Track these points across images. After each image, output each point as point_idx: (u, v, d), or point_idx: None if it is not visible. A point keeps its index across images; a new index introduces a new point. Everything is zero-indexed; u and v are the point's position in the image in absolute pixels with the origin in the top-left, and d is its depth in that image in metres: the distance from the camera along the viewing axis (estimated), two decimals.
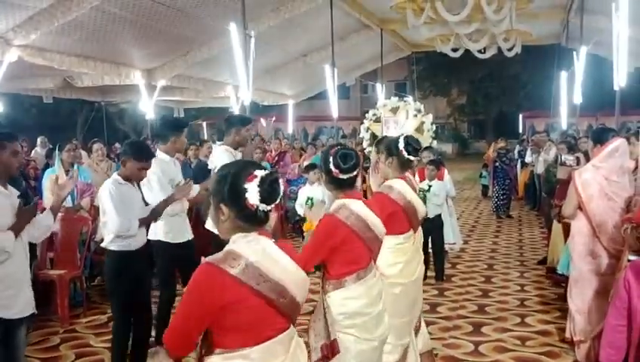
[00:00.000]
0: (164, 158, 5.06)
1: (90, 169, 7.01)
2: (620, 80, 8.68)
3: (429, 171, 7.59)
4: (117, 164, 8.46)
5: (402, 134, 4.24)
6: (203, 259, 2.20)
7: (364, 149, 11.41)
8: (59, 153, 6.76)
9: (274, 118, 23.41)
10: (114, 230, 4.27)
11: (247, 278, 2.13)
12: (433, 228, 7.38)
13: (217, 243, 2.41)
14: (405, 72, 35.74)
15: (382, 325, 3.33)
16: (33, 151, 11.94)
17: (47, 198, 6.58)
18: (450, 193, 8.15)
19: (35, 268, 6.15)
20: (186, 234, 5.14)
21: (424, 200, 6.99)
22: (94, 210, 6.54)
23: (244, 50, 9.07)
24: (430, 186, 7.43)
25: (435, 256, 7.60)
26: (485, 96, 38.42)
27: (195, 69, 12.94)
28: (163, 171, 4.93)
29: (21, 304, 3.65)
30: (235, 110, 15.43)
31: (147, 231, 4.66)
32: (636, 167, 4.99)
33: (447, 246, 7.97)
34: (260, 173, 2.19)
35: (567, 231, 6.46)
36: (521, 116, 29.94)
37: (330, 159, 3.30)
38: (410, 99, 12.36)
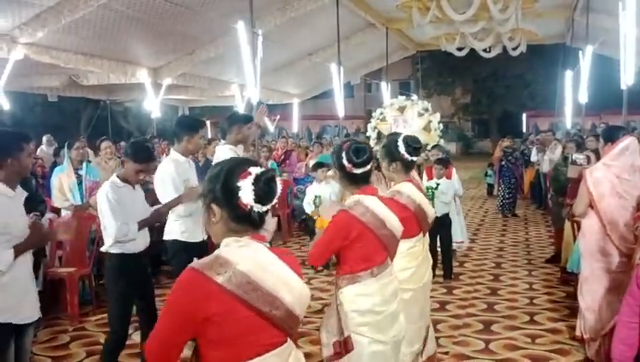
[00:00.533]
0: (179, 159, 4.89)
1: (98, 167, 7.01)
2: (627, 79, 8.68)
3: (437, 170, 7.58)
4: None
5: (400, 135, 4.11)
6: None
7: (372, 148, 11.40)
8: (68, 151, 6.76)
9: (278, 117, 23.40)
10: (112, 235, 4.14)
11: (234, 287, 1.93)
12: (441, 226, 7.36)
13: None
14: (409, 70, 35.77)
15: (396, 325, 3.26)
16: (39, 150, 11.96)
17: (56, 197, 6.59)
18: (458, 192, 8.14)
19: (44, 267, 6.18)
20: (201, 234, 5.04)
21: (432, 198, 7.02)
22: None
23: (251, 49, 9.06)
24: (438, 185, 7.42)
25: (444, 255, 7.59)
26: (489, 96, 38.37)
27: (200, 68, 12.97)
28: (178, 172, 4.78)
29: (28, 309, 3.58)
30: (240, 109, 15.45)
31: (153, 232, 4.60)
32: None
33: (454, 245, 7.96)
34: (254, 171, 2.02)
35: (576, 229, 6.49)
36: (524, 115, 29.91)
37: (343, 154, 3.25)
38: (415, 97, 12.38)
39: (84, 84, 12.87)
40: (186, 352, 2.06)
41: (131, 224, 4.17)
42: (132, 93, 15.63)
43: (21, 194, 3.60)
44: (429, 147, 9.81)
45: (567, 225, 7.03)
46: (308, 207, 8.34)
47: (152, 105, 13.28)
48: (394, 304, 3.28)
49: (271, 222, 2.60)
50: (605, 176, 4.67)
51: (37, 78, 12.44)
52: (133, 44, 10.79)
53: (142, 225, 4.27)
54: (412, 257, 3.94)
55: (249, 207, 2.00)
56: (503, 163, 13.16)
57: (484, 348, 5.25)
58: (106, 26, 9.61)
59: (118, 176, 4.32)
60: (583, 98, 12.90)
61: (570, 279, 6.76)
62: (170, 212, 4.84)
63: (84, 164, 6.71)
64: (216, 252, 2.03)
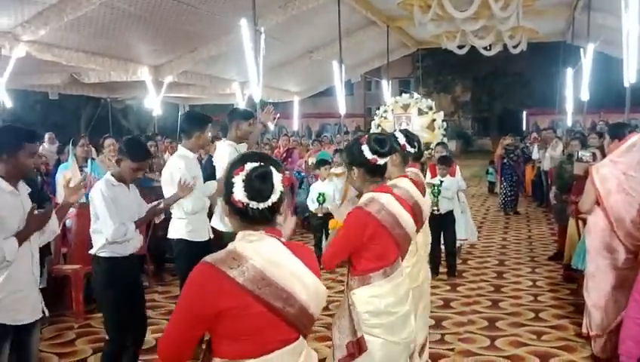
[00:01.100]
0: (188, 155, 4.87)
1: (102, 164, 7.01)
2: (629, 77, 8.69)
3: (440, 170, 7.57)
4: None
5: (396, 130, 4.15)
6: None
7: None
8: (72, 148, 6.76)
9: (278, 115, 23.38)
10: (109, 236, 3.95)
11: (247, 282, 1.91)
12: (445, 224, 7.38)
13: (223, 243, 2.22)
14: (409, 69, 35.75)
15: (408, 326, 3.20)
16: (41, 148, 11.92)
17: (60, 194, 6.58)
18: (462, 186, 8.13)
19: (48, 264, 6.18)
20: (207, 233, 5.03)
21: (437, 195, 7.03)
22: None
23: (254, 47, 9.06)
24: (442, 182, 7.42)
25: (447, 252, 7.60)
26: (489, 94, 38.42)
27: (202, 66, 12.95)
28: (187, 168, 4.73)
29: (29, 308, 3.47)
30: (241, 107, 15.43)
31: (157, 230, 4.54)
32: None
33: (458, 242, 7.96)
34: (248, 166, 1.98)
35: (580, 226, 6.50)
36: (524, 113, 29.92)
37: (365, 147, 3.13)
38: (419, 96, 12.40)
39: (86, 81, 12.84)
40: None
41: (129, 223, 4.04)
42: (133, 91, 15.60)
43: (24, 192, 3.50)
44: (432, 145, 9.83)
45: (571, 222, 7.05)
46: (312, 205, 8.34)
47: (153, 103, 13.27)
48: (407, 305, 3.23)
49: (290, 221, 2.56)
50: (612, 172, 4.68)
51: (38, 75, 12.41)
52: (134, 41, 10.77)
53: (138, 224, 4.17)
54: (410, 255, 3.80)
55: (243, 203, 1.97)
56: (505, 161, 13.18)
57: (490, 344, 5.26)
58: (108, 23, 9.60)
59: (113, 175, 4.15)
60: (585, 96, 12.91)
61: (574, 276, 6.77)
62: (175, 210, 4.83)
63: (89, 162, 6.72)
64: (229, 246, 2.01)
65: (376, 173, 3.20)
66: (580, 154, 6.22)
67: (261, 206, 1.98)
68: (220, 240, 4.92)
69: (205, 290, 1.91)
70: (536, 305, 6.34)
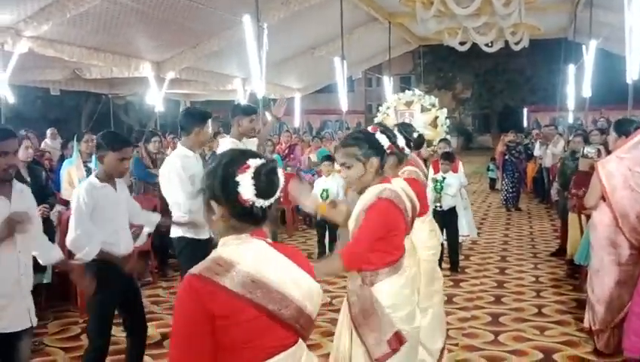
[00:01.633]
0: (187, 153, 4.73)
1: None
2: (632, 74, 8.70)
3: (443, 166, 7.58)
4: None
5: (395, 126, 3.96)
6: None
7: None
8: (77, 144, 6.77)
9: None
10: (68, 242, 3.80)
11: (237, 287, 1.81)
12: (448, 220, 7.40)
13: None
14: (410, 65, 35.78)
15: (417, 315, 3.19)
16: (43, 143, 11.94)
17: (65, 190, 6.60)
18: (464, 183, 8.15)
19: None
20: (207, 232, 4.97)
21: (440, 191, 7.04)
22: None
23: (257, 43, 9.07)
24: (444, 178, 7.43)
25: (450, 248, 7.62)
26: (490, 90, 38.42)
27: (203, 62, 12.96)
28: (184, 166, 4.60)
29: (11, 316, 3.29)
30: (242, 103, 15.45)
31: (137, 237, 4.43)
32: None
33: (460, 238, 7.98)
34: (254, 163, 1.88)
35: (582, 222, 6.52)
36: (525, 110, 29.94)
37: (396, 133, 3.25)
38: (421, 93, 12.42)
39: (87, 77, 12.87)
40: None
41: (94, 244, 3.79)
42: (134, 87, 15.59)
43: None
44: (435, 142, 9.85)
45: (572, 216, 7.08)
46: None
47: (155, 99, 13.27)
48: (415, 293, 3.24)
49: None
50: (618, 168, 4.69)
51: (40, 71, 12.40)
52: (137, 37, 10.78)
53: (104, 256, 3.83)
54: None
55: (250, 202, 1.87)
56: (507, 157, 13.20)
57: (494, 339, 5.28)
58: (111, 19, 9.61)
59: (97, 176, 3.92)
60: (587, 92, 12.93)
61: (576, 271, 6.79)
62: (175, 210, 4.75)
63: (94, 157, 6.72)
64: (213, 253, 1.92)
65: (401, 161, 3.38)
66: (585, 151, 6.24)
67: (266, 203, 1.90)
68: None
69: (196, 302, 1.80)
70: (539, 301, 6.36)
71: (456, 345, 5.13)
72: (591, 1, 12.08)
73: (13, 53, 8.89)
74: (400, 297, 3.06)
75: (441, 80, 38.65)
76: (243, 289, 1.81)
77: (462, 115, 42.66)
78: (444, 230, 7.38)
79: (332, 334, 4.03)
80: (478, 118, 44.08)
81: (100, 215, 3.85)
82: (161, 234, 7.11)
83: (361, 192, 3.12)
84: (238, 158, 1.91)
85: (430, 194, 7.32)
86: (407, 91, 12.59)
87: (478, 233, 10.10)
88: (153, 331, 5.66)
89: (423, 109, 12.39)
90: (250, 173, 1.86)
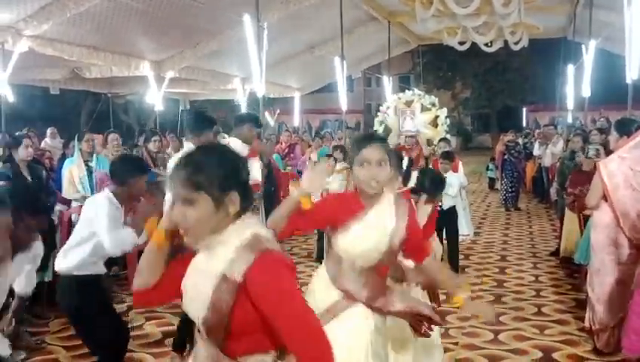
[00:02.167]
0: None
1: (106, 159, 7.03)
2: (632, 74, 8.73)
3: (442, 165, 7.60)
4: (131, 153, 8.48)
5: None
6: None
7: None
8: (78, 143, 6.78)
9: (278, 111, 23.41)
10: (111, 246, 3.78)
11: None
12: (447, 219, 7.41)
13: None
14: (409, 65, 35.78)
15: None
16: (43, 143, 11.93)
17: (66, 189, 6.61)
18: (463, 183, 8.17)
19: (53, 258, 6.19)
20: None
21: None
22: None
23: (256, 42, 9.08)
24: (445, 178, 7.43)
25: (450, 248, 7.63)
26: (489, 90, 38.44)
27: (203, 61, 12.96)
28: None
29: None
30: (242, 102, 15.47)
31: None
32: None
33: (460, 238, 7.99)
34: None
35: (582, 221, 6.54)
36: (525, 110, 29.97)
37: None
38: (421, 92, 12.44)
39: (87, 76, 12.86)
40: None
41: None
42: (134, 86, 15.59)
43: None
44: (435, 141, 9.88)
45: (569, 214, 7.12)
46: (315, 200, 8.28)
47: (155, 99, 13.27)
48: None
49: None
50: (619, 168, 4.72)
51: (39, 70, 12.40)
52: (136, 36, 10.79)
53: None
54: None
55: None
56: (506, 157, 13.22)
57: (494, 338, 5.30)
58: (110, 18, 9.61)
59: (114, 195, 3.93)
60: (586, 92, 12.95)
61: (575, 271, 6.82)
62: None
63: (94, 156, 6.74)
64: (249, 234, 1.90)
65: None
66: (591, 154, 6.29)
67: None
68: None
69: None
70: (539, 300, 6.39)
71: (456, 343, 5.16)
72: (591, 1, 12.08)
73: (14, 52, 8.89)
74: None
75: (441, 79, 38.66)
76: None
77: (461, 115, 42.68)
78: (444, 230, 7.42)
79: None
80: (478, 117, 44.10)
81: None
82: None
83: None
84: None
85: None
86: (407, 91, 12.62)
87: (478, 233, 10.14)
88: (154, 329, 5.69)
89: (423, 109, 12.41)
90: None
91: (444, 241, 7.55)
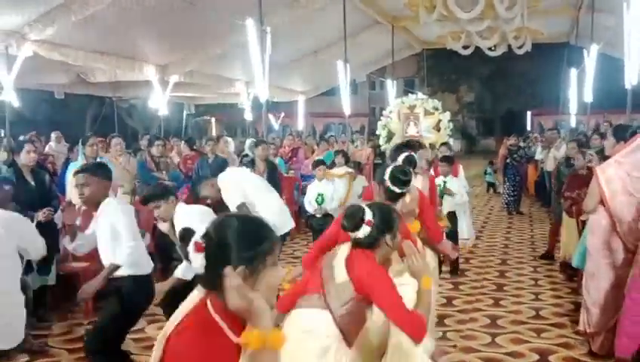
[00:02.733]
0: None
1: (110, 163, 7.10)
2: (631, 78, 8.75)
3: (442, 168, 7.65)
4: (135, 158, 8.57)
5: (392, 165, 4.09)
6: None
7: (380, 146, 11.58)
8: (82, 147, 6.85)
9: (282, 115, 23.48)
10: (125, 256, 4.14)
11: None
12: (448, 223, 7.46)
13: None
14: (414, 68, 35.72)
15: None
16: (47, 147, 12.04)
17: (70, 192, 6.67)
18: (466, 188, 8.22)
19: (57, 262, 6.28)
20: None
21: (442, 194, 7.10)
22: None
23: (260, 46, 9.14)
24: (445, 182, 7.49)
25: None
26: (493, 94, 38.44)
27: (207, 65, 13.02)
28: None
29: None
30: (246, 106, 15.53)
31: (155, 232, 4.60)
32: None
33: (460, 242, 8.03)
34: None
35: (581, 226, 6.58)
36: (529, 114, 29.95)
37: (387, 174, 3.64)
38: (425, 96, 12.47)
39: (92, 81, 12.94)
40: None
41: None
42: (138, 91, 15.67)
43: None
44: (437, 145, 9.93)
45: (566, 218, 7.16)
46: (309, 206, 8.21)
47: (159, 103, 13.34)
48: None
49: None
50: (617, 173, 4.76)
51: (44, 75, 12.48)
52: (141, 41, 10.86)
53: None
54: None
55: None
56: (508, 161, 13.24)
57: (491, 341, 5.34)
58: (115, 23, 9.67)
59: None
60: (588, 97, 12.97)
61: (575, 275, 6.85)
62: None
63: (99, 159, 6.81)
64: None
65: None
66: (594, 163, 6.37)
67: None
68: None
69: None
70: (537, 304, 6.42)
71: (454, 346, 5.20)
72: (592, 5, 12.12)
73: (18, 57, 8.96)
74: None
75: (445, 83, 38.64)
76: None
77: (465, 119, 42.66)
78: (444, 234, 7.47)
79: None
80: (482, 121, 44.07)
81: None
82: (164, 236, 7.20)
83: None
84: None
85: None
86: (410, 95, 12.64)
87: (480, 236, 10.18)
88: (154, 332, 5.74)
89: (426, 113, 12.43)
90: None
91: None
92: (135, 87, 15.18)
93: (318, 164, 8.54)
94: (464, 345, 5.24)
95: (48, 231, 5.66)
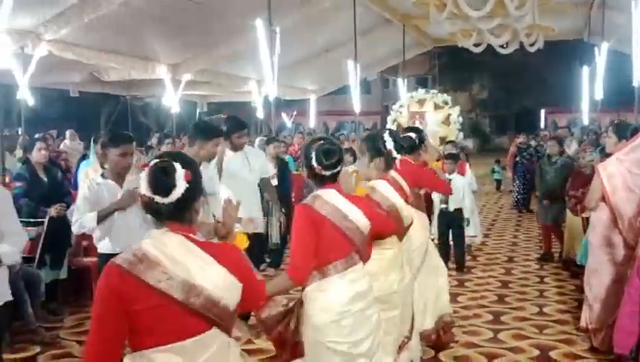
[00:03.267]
0: None
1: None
2: (639, 76, 8.76)
3: (447, 165, 7.69)
4: (145, 156, 8.70)
5: (386, 130, 4.03)
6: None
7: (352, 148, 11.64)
8: (94, 145, 6.99)
9: (295, 113, 23.58)
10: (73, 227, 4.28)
11: (148, 277, 2.04)
12: (454, 221, 7.53)
13: None
14: (427, 66, 35.73)
15: (365, 327, 3.12)
16: (62, 144, 12.23)
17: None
18: (472, 187, 8.27)
19: (69, 256, 6.42)
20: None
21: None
22: None
23: (269, 46, 9.24)
24: (450, 180, 7.53)
25: (456, 249, 7.74)
26: (507, 91, 38.21)
27: (218, 64, 13.16)
28: None
29: None
30: (258, 104, 15.66)
31: None
32: None
33: (467, 239, 8.08)
34: (153, 162, 2.12)
35: (586, 223, 6.61)
36: (543, 111, 29.83)
37: (313, 155, 3.12)
38: (434, 91, 12.50)
39: (105, 79, 13.11)
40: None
41: (88, 214, 4.11)
42: (151, 89, 15.84)
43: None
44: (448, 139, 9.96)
45: (570, 216, 7.20)
46: None
47: (171, 101, 13.50)
48: (361, 303, 3.14)
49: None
50: (618, 169, 4.81)
51: (59, 73, 12.66)
52: (153, 40, 11.01)
53: (102, 214, 4.11)
54: (383, 262, 3.69)
55: (147, 198, 2.09)
56: (517, 159, 13.24)
57: (493, 337, 5.41)
58: (127, 23, 9.83)
59: (102, 175, 4.32)
60: (599, 94, 12.94)
61: (580, 272, 6.88)
62: None
63: None
64: (135, 245, 2.13)
65: (323, 181, 3.19)
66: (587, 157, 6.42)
67: (165, 200, 2.08)
68: None
69: (114, 290, 2.04)
70: (542, 301, 6.47)
71: (456, 342, 5.26)
72: (603, 2, 12.09)
73: (33, 57, 9.14)
74: (328, 302, 3.07)
75: (458, 81, 38.46)
76: (152, 279, 2.03)
77: (478, 117, 42.50)
78: (450, 230, 7.54)
79: None
80: (495, 119, 43.87)
81: (89, 208, 4.16)
82: None
83: None
84: (152, 160, 2.17)
85: (436, 195, 7.45)
86: (419, 90, 12.68)
87: (488, 234, 10.21)
88: None
89: (436, 107, 12.49)
90: (146, 171, 2.10)
91: (451, 242, 7.69)
92: (148, 86, 15.35)
93: None
94: (466, 340, 5.31)
95: (60, 226, 5.82)
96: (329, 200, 3.14)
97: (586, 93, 16.31)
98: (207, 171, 4.47)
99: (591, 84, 14.90)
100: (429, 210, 7.00)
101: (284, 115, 22.58)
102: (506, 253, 8.91)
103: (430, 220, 6.63)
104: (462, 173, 7.93)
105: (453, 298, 6.56)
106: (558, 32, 15.83)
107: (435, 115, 12.31)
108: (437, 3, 12.86)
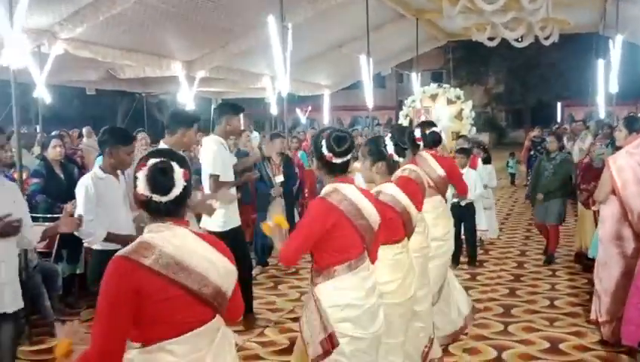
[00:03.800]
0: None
1: (136, 158, 7.33)
2: None
3: (459, 159, 7.72)
4: None
5: (387, 134, 3.98)
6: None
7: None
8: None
9: (309, 109, 23.63)
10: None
11: (162, 268, 2.08)
12: (465, 214, 7.56)
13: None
14: (441, 60, 35.52)
15: (377, 320, 3.16)
16: (81, 142, 12.36)
17: None
18: (491, 183, 8.29)
19: (85, 250, 6.53)
20: (237, 220, 5.41)
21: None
22: None
23: (281, 42, 9.30)
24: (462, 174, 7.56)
25: (467, 242, 7.76)
26: (523, 85, 37.95)
27: (232, 61, 13.21)
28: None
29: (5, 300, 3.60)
30: (272, 101, 15.74)
31: None
32: None
33: (479, 233, 8.10)
34: (150, 162, 2.13)
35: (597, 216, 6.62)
36: (559, 105, 29.60)
37: (324, 142, 3.11)
38: (447, 85, 12.48)
39: (121, 77, 13.22)
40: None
41: (99, 229, 4.09)
42: (166, 86, 15.95)
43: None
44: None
45: (582, 209, 7.20)
46: None
47: (186, 98, 13.59)
48: (373, 298, 3.17)
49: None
50: (628, 163, 4.84)
51: (76, 71, 12.79)
52: (167, 38, 11.10)
53: (111, 238, 4.10)
54: (398, 267, 3.70)
55: (145, 196, 2.13)
56: (532, 153, 13.20)
57: (503, 329, 5.45)
58: (142, 20, 9.92)
59: (101, 168, 4.33)
60: (614, 87, 12.85)
61: (590, 265, 6.88)
62: None
63: None
64: (139, 238, 2.18)
65: (334, 170, 3.16)
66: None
67: (164, 199, 2.14)
68: None
69: (123, 282, 2.06)
70: (553, 294, 6.51)
71: (466, 334, 5.31)
72: None
73: (50, 55, 9.27)
74: (343, 299, 3.07)
75: (473, 75, 38.28)
76: (167, 270, 2.09)
77: (494, 111, 42.27)
78: (462, 224, 7.57)
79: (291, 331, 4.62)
80: (511, 113, 43.61)
81: (102, 203, 4.18)
82: None
83: None
84: (144, 157, 2.18)
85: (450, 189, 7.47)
86: (431, 84, 12.65)
87: (501, 228, 10.21)
88: None
89: (449, 102, 12.49)
90: (144, 170, 2.12)
91: (462, 236, 7.72)
92: (164, 83, 15.45)
93: None
94: (475, 333, 5.36)
95: None
96: (347, 194, 3.11)
97: (602, 86, 16.17)
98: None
99: (606, 77, 14.77)
100: None
101: (298, 111, 22.65)
102: (519, 246, 8.92)
103: None
104: (473, 166, 7.96)
105: (465, 291, 6.61)
106: (573, 25, 15.72)
107: (448, 109, 12.31)
108: None
